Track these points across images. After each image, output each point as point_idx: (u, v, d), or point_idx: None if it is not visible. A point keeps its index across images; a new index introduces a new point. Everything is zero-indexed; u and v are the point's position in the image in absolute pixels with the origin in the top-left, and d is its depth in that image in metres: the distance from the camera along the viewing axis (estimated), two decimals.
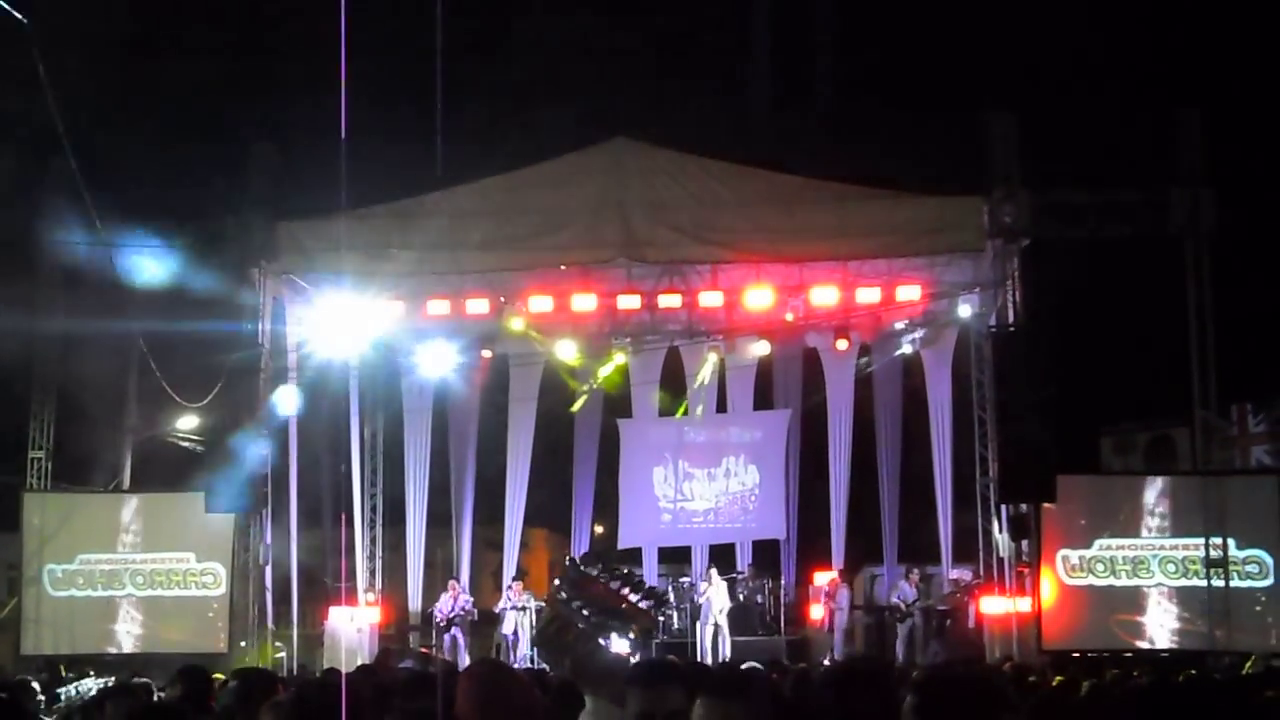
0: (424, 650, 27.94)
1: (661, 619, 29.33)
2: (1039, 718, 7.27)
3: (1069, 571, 25.80)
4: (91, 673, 22.46)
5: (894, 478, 31.52)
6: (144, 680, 13.19)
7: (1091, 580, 25.79)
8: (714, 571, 29.72)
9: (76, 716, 10.50)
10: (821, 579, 30.49)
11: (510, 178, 27.36)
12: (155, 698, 11.76)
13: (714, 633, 28.68)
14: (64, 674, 23.84)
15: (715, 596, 28.96)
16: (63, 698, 18.19)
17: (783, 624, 30.62)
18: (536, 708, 6.39)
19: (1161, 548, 25.91)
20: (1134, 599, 25.81)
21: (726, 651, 28.22)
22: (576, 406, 32.37)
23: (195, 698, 9.79)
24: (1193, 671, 17.58)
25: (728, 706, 5.29)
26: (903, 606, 29.32)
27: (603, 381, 31.81)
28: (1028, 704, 7.32)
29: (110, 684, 16.27)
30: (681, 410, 32.80)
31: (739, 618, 29.69)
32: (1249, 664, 22.25)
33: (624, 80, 34.15)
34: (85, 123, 24.54)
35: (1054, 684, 13.80)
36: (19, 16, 15.10)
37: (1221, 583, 25.33)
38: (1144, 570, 25.88)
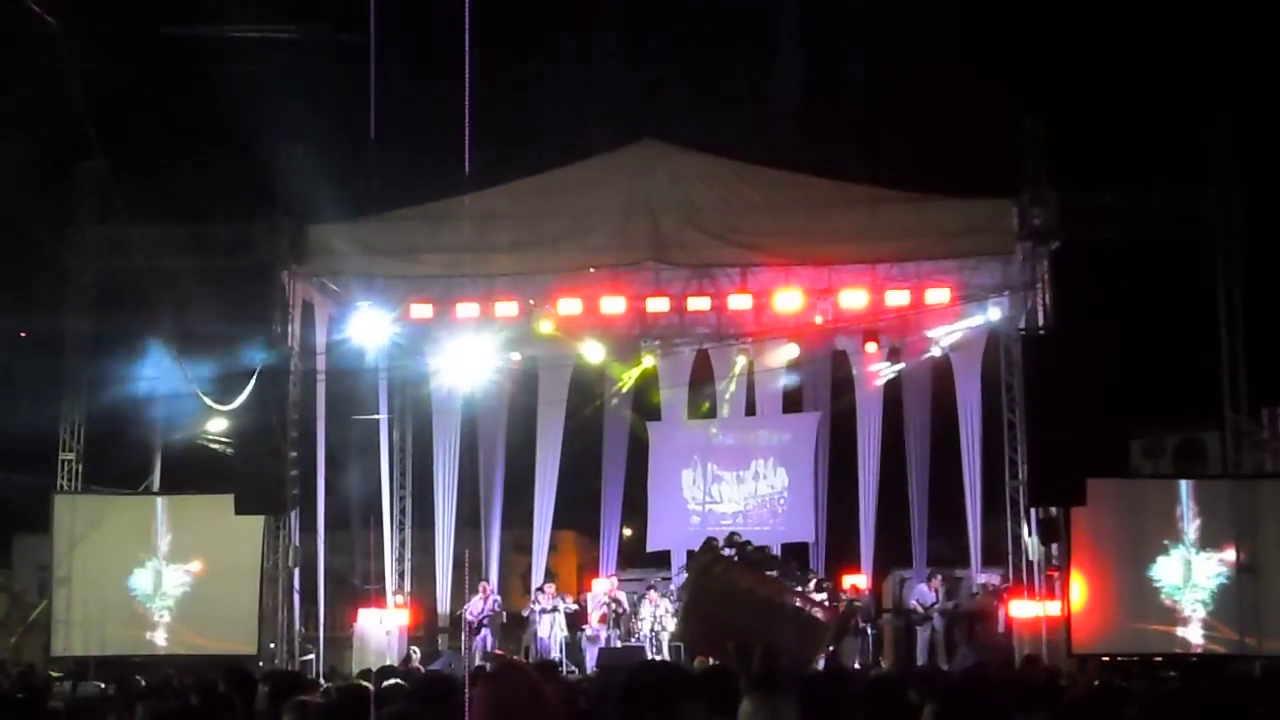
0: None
1: None
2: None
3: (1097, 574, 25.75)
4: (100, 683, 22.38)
5: (923, 481, 31.43)
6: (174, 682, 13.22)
7: (1121, 583, 25.71)
8: None
9: (111, 718, 10.54)
10: (847, 583, 30.46)
11: (539, 180, 27.41)
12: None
13: None
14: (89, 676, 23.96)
15: None
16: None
17: None
18: (553, 712, 6.37)
19: (1191, 551, 25.82)
20: (1163, 603, 25.71)
21: None
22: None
23: (241, 699, 9.82)
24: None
25: (775, 701, 5.29)
26: (920, 610, 29.26)
27: (637, 377, 31.78)
28: (1058, 707, 7.30)
29: (143, 684, 16.31)
30: (705, 408, 32.78)
31: None
32: None
33: (653, 82, 34.11)
34: (115, 124, 24.60)
35: (1092, 687, 13.73)
36: (46, 17, 15.15)
37: (1252, 587, 25.24)
38: (1173, 574, 25.78)
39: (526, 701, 5.95)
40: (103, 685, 20.91)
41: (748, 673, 5.44)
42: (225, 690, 10.15)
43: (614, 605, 29.77)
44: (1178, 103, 32.30)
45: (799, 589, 6.17)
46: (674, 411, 32.72)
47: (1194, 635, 25.64)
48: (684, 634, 6.16)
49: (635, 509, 33.53)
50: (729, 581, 5.94)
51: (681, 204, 26.62)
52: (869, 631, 29.42)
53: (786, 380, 32.13)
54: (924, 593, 29.50)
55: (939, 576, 29.96)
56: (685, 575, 6.85)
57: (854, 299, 27.93)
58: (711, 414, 32.85)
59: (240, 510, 26.58)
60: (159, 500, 28.83)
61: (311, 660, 27.93)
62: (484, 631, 29.22)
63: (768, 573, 6.15)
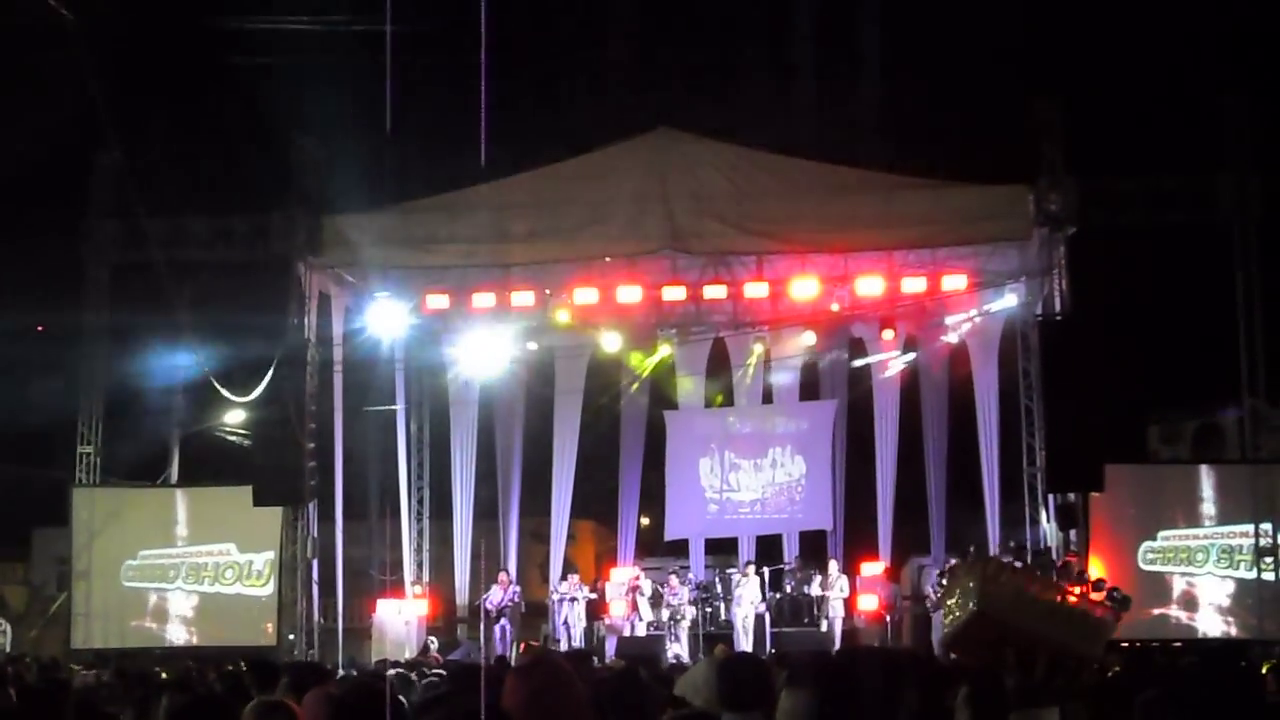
0: None
1: (709, 610, 29.44)
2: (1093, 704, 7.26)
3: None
4: (79, 668, 22.31)
5: (940, 467, 31.38)
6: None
7: (1139, 569, 25.68)
8: (750, 567, 29.75)
9: (130, 711, 10.55)
10: (869, 569, 30.45)
11: (555, 169, 27.43)
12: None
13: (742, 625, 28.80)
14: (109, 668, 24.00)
15: (748, 590, 28.98)
16: None
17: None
18: (586, 705, 6.38)
19: (1210, 537, 25.81)
20: (1182, 588, 25.70)
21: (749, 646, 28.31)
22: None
23: (262, 690, 9.84)
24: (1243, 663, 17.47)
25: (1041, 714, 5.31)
26: (933, 596, 29.22)
27: (654, 365, 31.78)
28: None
29: (165, 677, 16.34)
30: (721, 398, 32.77)
31: (787, 609, 29.68)
32: None
33: (667, 70, 34.09)
34: (132, 117, 24.65)
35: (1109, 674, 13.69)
36: (65, 12, 15.18)
37: (1271, 572, 25.21)
38: (1192, 559, 25.77)
39: (559, 692, 5.95)
40: (95, 673, 20.92)
41: (1026, 681, 5.45)
42: (249, 680, 10.17)
43: (636, 593, 29.73)
44: (1195, 87, 32.24)
45: (1078, 588, 6.14)
46: (691, 400, 32.69)
47: (1213, 621, 25.62)
48: (959, 641, 6.10)
49: (653, 498, 33.48)
50: (1016, 588, 5.93)
51: (697, 192, 26.61)
52: (888, 619, 29.45)
53: (803, 368, 32.09)
54: (934, 578, 29.45)
55: (953, 562, 29.87)
56: (944, 583, 6.74)
57: (870, 286, 27.90)
58: (728, 402, 32.80)
59: (259, 501, 26.63)
60: (177, 492, 28.94)
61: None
62: (503, 621, 29.21)
63: (1047, 575, 6.15)
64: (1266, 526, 25.33)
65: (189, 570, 27.65)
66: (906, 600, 30.94)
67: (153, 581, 27.62)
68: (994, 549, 29.91)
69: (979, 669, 6.04)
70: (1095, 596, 6.20)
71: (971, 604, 6.02)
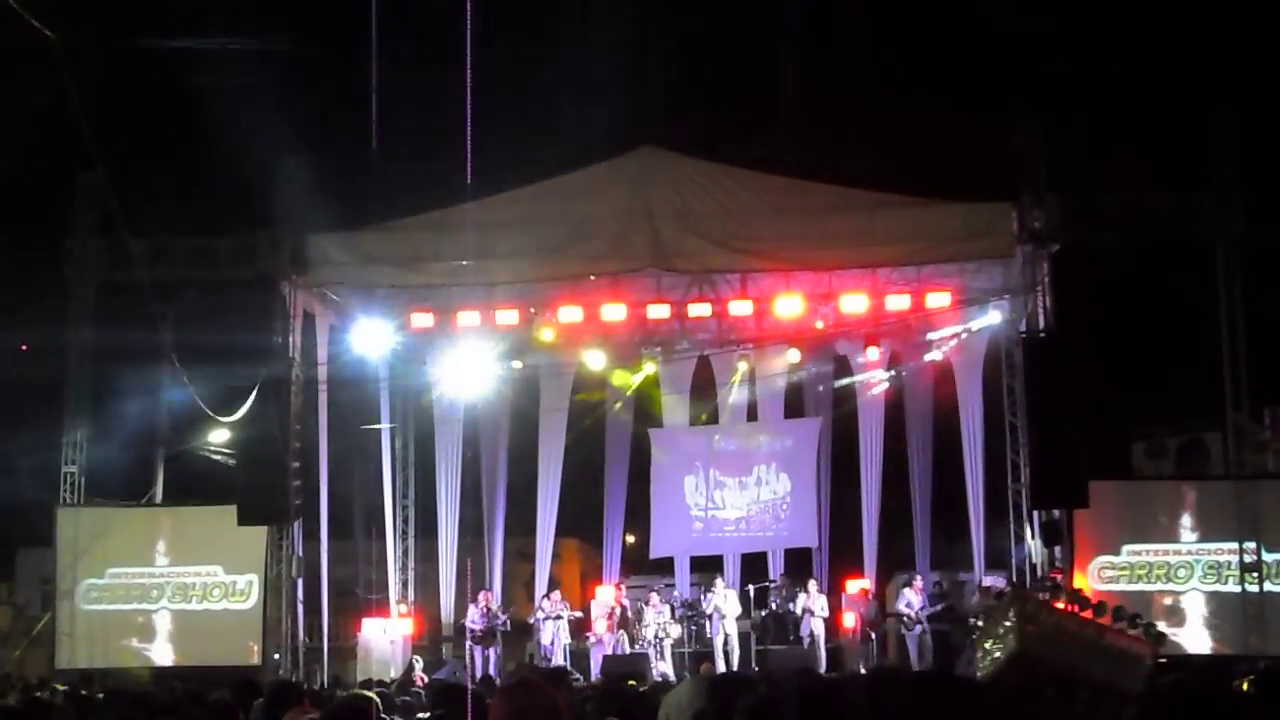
0: None
1: (694, 628, 29.49)
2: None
3: (1101, 578, 25.73)
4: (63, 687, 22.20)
5: (925, 485, 31.46)
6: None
7: (1124, 587, 25.68)
8: (720, 581, 29.80)
9: None
10: (853, 587, 30.48)
11: (539, 188, 27.44)
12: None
13: (724, 641, 28.86)
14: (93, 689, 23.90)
15: (728, 605, 29.05)
16: None
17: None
18: None
19: (1194, 553, 25.83)
20: (1167, 605, 25.71)
21: (734, 663, 28.36)
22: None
23: (247, 712, 9.84)
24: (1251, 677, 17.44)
25: None
26: (910, 615, 29.21)
27: (638, 383, 31.82)
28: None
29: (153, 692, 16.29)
30: (706, 415, 32.80)
31: (772, 627, 29.71)
32: None
33: (651, 89, 34.14)
34: (115, 137, 24.63)
35: None
36: (46, 31, 15.17)
37: (1256, 588, 25.25)
38: (1176, 576, 25.80)
39: (543, 716, 5.95)
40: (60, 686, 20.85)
41: (1067, 717, 5.47)
42: (232, 702, 10.16)
43: (619, 610, 29.80)
44: (1178, 104, 32.35)
45: (1116, 624, 6.16)
46: (676, 418, 32.73)
47: (1197, 637, 25.63)
48: (999, 682, 6.09)
49: (638, 516, 33.51)
50: (1055, 626, 5.95)
51: (682, 210, 26.63)
52: (873, 637, 29.48)
53: (788, 386, 32.13)
54: (906, 597, 29.46)
55: (918, 579, 29.93)
56: (981, 625, 6.74)
57: (854, 304, 27.92)
58: (713, 420, 32.84)
59: (243, 521, 26.55)
60: (162, 512, 28.86)
61: (314, 669, 27.93)
62: (494, 642, 29.22)
63: (1084, 612, 6.17)
64: (1251, 544, 25.37)
65: (173, 589, 27.57)
66: (890, 617, 30.95)
67: (137, 601, 27.53)
68: (979, 565, 30.02)
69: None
70: (1131, 632, 6.23)
71: (1012, 644, 6.03)
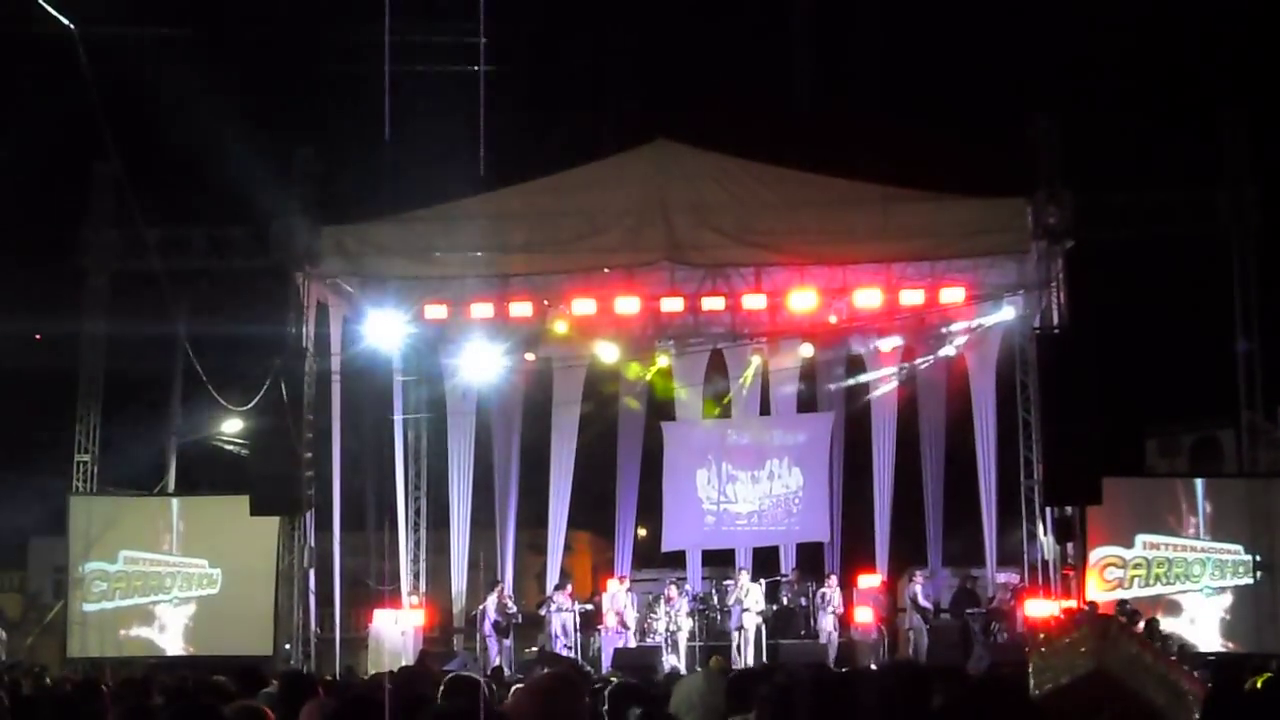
0: None
1: (706, 621, 29.51)
2: None
3: (1106, 576, 25.72)
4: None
5: (938, 480, 31.42)
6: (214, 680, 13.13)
7: (1135, 583, 25.66)
8: (744, 574, 29.76)
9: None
10: (865, 582, 30.47)
11: (553, 180, 27.41)
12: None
13: (741, 635, 28.84)
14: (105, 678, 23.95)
15: (751, 598, 29.03)
16: None
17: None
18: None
19: (1207, 550, 25.79)
20: (1179, 602, 25.68)
21: (750, 656, 28.33)
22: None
23: (248, 695, 9.83)
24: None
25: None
26: (929, 608, 29.22)
27: (651, 376, 31.82)
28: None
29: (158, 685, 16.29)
30: (718, 409, 32.78)
31: (784, 621, 29.69)
32: None
33: (665, 82, 34.12)
34: (131, 126, 24.64)
35: None
36: (64, 20, 15.18)
37: (1268, 585, 25.21)
38: (1189, 573, 25.77)
39: (572, 710, 5.97)
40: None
41: None
42: (235, 690, 10.16)
43: (627, 605, 29.82)
44: (1192, 100, 32.27)
45: (1173, 658, 6.32)
46: (689, 411, 32.71)
47: (1211, 635, 25.60)
48: (1066, 697, 6.12)
49: (650, 509, 33.49)
50: (1133, 652, 6.02)
51: (695, 204, 26.60)
52: (883, 631, 29.51)
53: (801, 380, 32.10)
54: (913, 590, 29.50)
55: (918, 574, 29.94)
56: (1047, 640, 6.83)
57: (868, 298, 27.90)
58: (726, 414, 32.82)
59: (256, 511, 26.60)
60: (174, 501, 28.89)
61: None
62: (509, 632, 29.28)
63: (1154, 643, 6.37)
64: (1263, 540, 25.33)
65: (185, 579, 27.62)
66: (902, 612, 30.94)
67: (150, 591, 27.56)
68: (991, 561, 30.00)
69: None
70: (1184, 666, 6.33)
71: (1089, 664, 6.07)
